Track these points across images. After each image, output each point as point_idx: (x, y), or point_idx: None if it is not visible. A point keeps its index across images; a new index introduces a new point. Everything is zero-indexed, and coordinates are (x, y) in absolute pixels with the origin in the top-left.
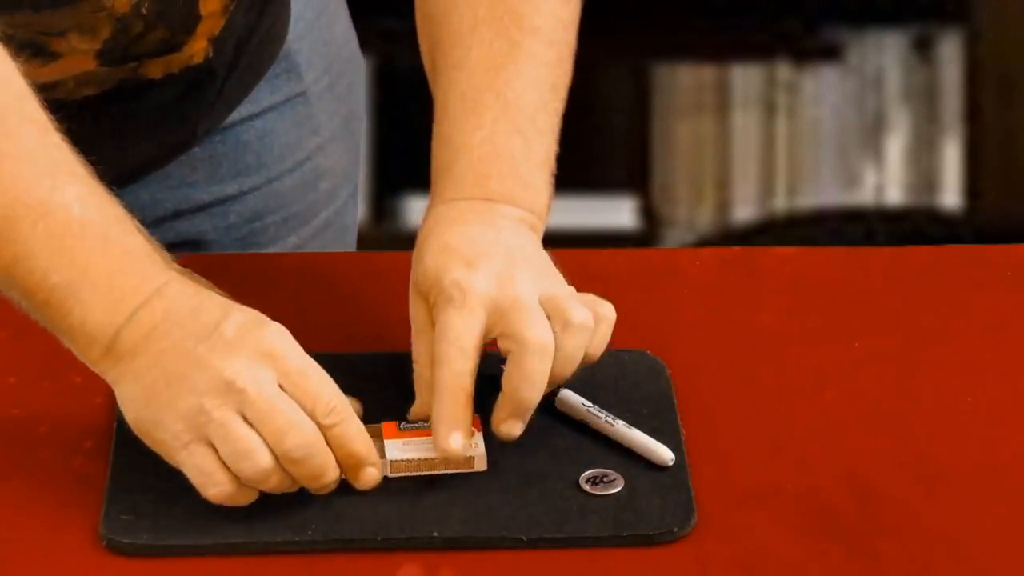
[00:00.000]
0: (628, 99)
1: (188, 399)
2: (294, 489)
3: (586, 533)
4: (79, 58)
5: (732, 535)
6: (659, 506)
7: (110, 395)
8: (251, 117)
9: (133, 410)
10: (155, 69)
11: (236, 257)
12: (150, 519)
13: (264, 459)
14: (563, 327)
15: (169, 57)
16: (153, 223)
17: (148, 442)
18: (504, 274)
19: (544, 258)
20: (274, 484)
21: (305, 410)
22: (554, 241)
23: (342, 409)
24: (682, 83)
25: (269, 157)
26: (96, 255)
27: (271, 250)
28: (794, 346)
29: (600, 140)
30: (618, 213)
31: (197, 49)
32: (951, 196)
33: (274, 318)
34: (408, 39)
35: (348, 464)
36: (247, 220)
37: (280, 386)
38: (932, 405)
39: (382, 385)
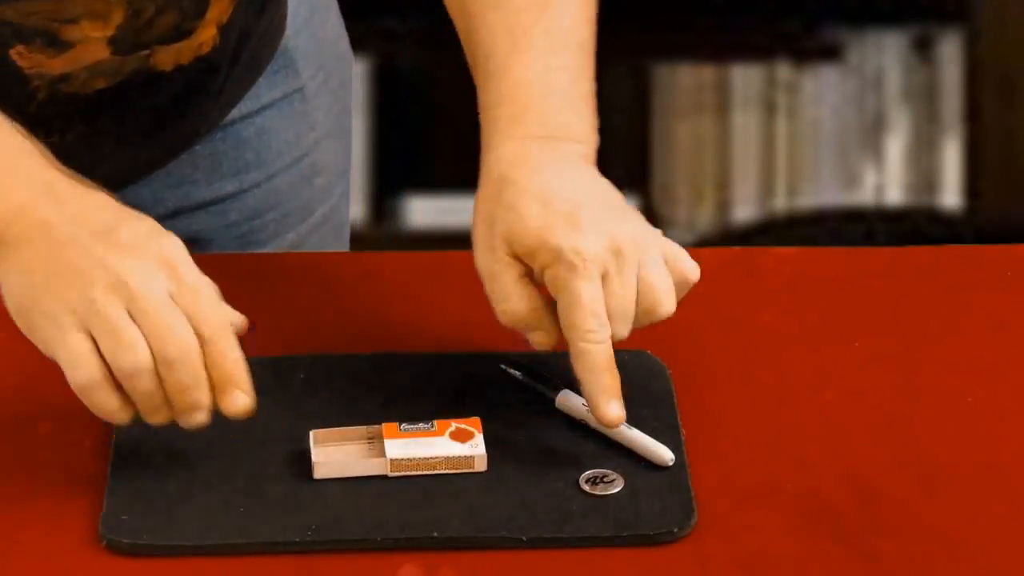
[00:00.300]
0: (628, 99)
1: (78, 291)
2: (158, 402)
3: (586, 533)
4: (92, 46)
5: (732, 535)
6: (659, 506)
7: None
8: (251, 114)
9: (16, 297)
10: (166, 58)
11: (236, 257)
12: (150, 519)
13: (143, 355)
14: (654, 304)
15: (180, 45)
16: None
17: (26, 330)
18: (608, 231)
19: (617, 195)
20: (143, 387)
21: (191, 324)
22: None
23: (225, 330)
24: (682, 83)
25: (268, 154)
26: None
27: (270, 248)
28: (794, 346)
29: (600, 140)
30: None
31: (207, 36)
32: (951, 196)
33: (274, 318)
34: (408, 39)
35: (221, 386)
36: (247, 218)
37: (171, 296)
38: (932, 405)
39: (382, 385)
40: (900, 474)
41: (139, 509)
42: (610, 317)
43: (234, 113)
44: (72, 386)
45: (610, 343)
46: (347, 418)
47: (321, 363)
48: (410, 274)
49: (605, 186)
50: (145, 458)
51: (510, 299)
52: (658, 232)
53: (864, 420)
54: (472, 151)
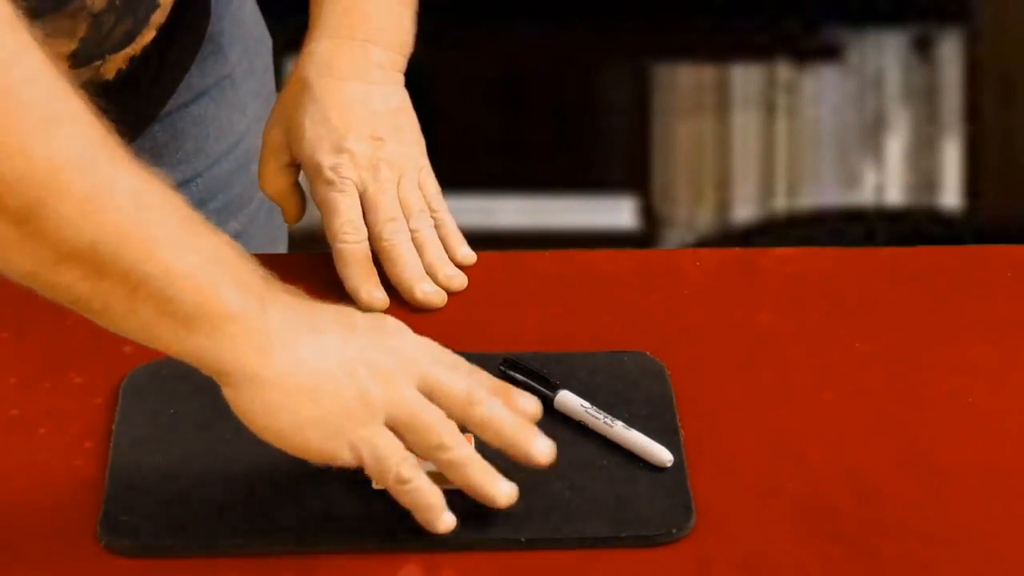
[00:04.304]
0: (628, 99)
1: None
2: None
3: (585, 534)
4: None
5: (732, 535)
6: (658, 507)
7: (110, 395)
8: (186, 103)
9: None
10: (112, 66)
11: None
12: (149, 520)
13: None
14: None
15: (126, 51)
16: None
17: (298, 442)
18: (370, 153)
19: (405, 115)
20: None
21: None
22: (554, 241)
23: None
24: (682, 83)
25: (207, 142)
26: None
27: None
28: (794, 346)
29: (600, 140)
30: (618, 213)
31: (147, 39)
32: (951, 196)
33: None
34: None
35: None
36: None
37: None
38: (932, 405)
39: None
40: (900, 474)
41: (138, 510)
42: (375, 221)
43: (170, 104)
44: (392, 482)
45: (366, 244)
46: None
47: None
48: (281, 98)
49: (396, 102)
50: (144, 459)
51: (266, 181)
52: (423, 165)
53: (864, 420)
54: (472, 152)
